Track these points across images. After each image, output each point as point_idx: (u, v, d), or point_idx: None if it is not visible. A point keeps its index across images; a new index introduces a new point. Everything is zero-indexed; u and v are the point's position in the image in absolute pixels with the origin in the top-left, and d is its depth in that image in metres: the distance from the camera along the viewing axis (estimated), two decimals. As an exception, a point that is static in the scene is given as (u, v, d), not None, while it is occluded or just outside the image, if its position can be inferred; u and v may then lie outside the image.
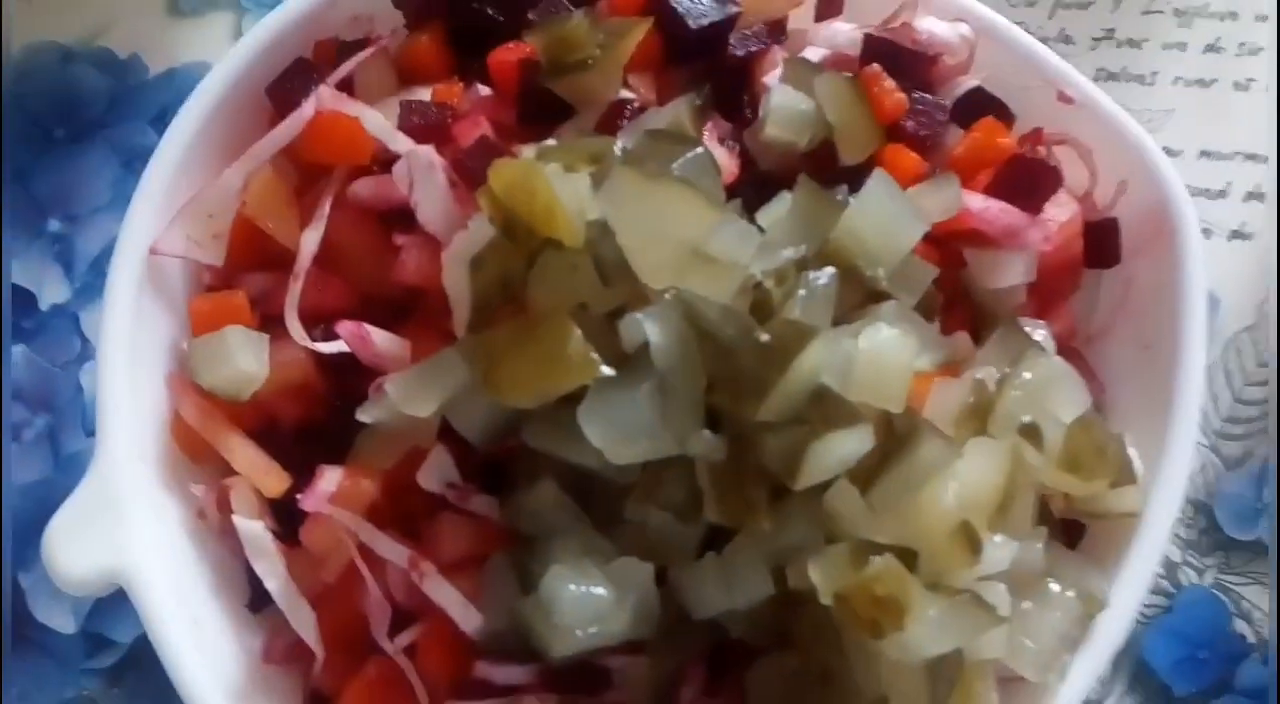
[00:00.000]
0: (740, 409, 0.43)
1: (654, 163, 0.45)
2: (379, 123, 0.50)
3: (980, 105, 0.53)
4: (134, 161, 0.65)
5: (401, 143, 0.50)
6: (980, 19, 0.54)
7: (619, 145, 0.46)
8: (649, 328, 0.42)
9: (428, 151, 0.48)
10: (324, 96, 0.51)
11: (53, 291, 0.63)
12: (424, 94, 0.53)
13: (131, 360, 0.47)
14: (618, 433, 0.42)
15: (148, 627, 0.45)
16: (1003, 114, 0.53)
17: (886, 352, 0.43)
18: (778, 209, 0.48)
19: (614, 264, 0.44)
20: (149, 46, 0.69)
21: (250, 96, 0.52)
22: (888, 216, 0.46)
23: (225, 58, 0.52)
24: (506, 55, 0.52)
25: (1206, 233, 0.64)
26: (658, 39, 0.52)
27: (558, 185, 0.43)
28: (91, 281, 0.63)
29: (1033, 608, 0.45)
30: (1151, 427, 0.48)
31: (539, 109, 0.51)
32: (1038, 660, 0.45)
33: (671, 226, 0.43)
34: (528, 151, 0.47)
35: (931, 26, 0.53)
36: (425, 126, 0.50)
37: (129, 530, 0.45)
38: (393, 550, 0.46)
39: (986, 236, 0.50)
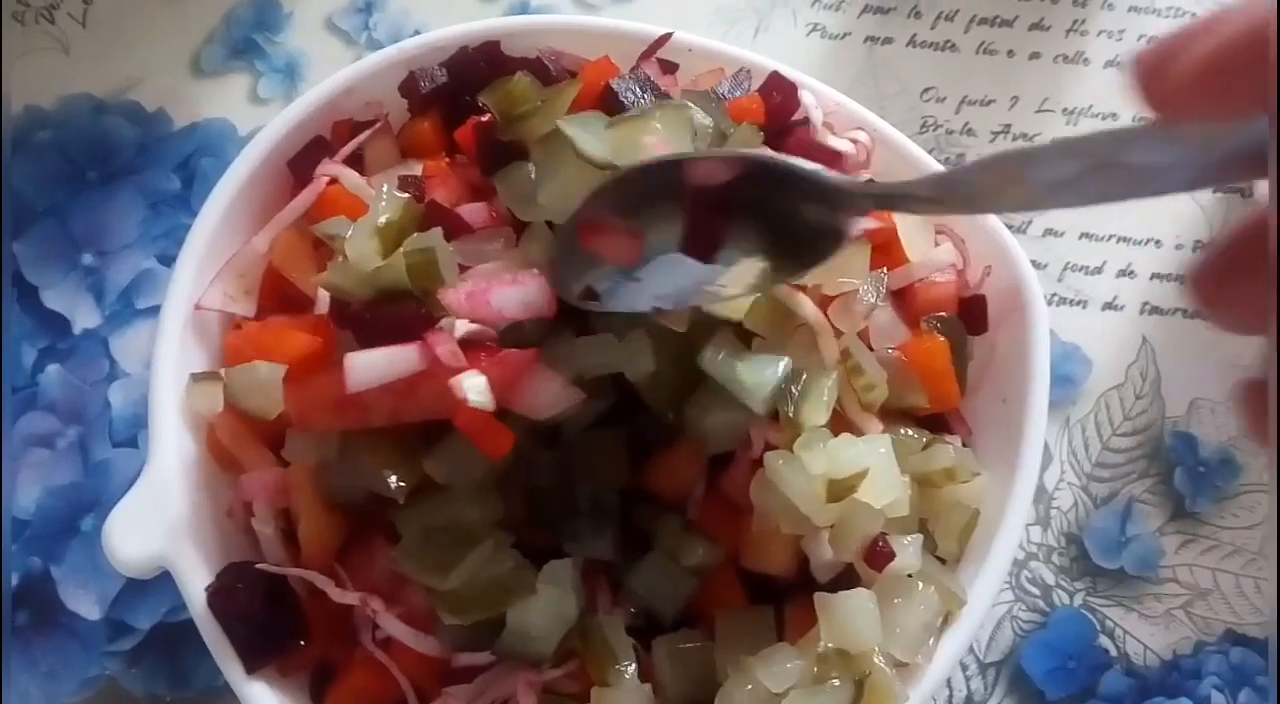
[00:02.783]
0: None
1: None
2: (370, 193, 0.55)
3: None
4: (159, 204, 0.69)
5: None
6: (876, 129, 0.60)
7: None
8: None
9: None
10: (330, 170, 0.57)
11: (85, 318, 0.67)
12: (418, 168, 0.58)
13: (177, 386, 0.52)
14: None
15: (188, 602, 0.49)
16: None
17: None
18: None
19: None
20: (174, 102, 0.72)
21: (276, 168, 0.57)
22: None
23: (257, 138, 0.57)
24: (468, 126, 0.57)
25: (1083, 303, 0.70)
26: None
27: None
28: (120, 310, 0.67)
29: (902, 602, 0.50)
30: (1006, 462, 0.55)
31: (495, 161, 0.55)
32: (909, 645, 0.50)
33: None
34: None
35: (834, 143, 0.59)
36: (416, 196, 0.55)
37: (173, 524, 0.50)
38: (343, 596, 0.52)
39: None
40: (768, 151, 0.52)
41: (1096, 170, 0.34)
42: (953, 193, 0.42)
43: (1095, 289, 0.71)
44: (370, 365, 0.48)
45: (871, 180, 0.57)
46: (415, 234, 0.50)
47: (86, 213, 0.69)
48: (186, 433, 0.53)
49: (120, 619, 0.62)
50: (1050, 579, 0.65)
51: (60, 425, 0.65)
